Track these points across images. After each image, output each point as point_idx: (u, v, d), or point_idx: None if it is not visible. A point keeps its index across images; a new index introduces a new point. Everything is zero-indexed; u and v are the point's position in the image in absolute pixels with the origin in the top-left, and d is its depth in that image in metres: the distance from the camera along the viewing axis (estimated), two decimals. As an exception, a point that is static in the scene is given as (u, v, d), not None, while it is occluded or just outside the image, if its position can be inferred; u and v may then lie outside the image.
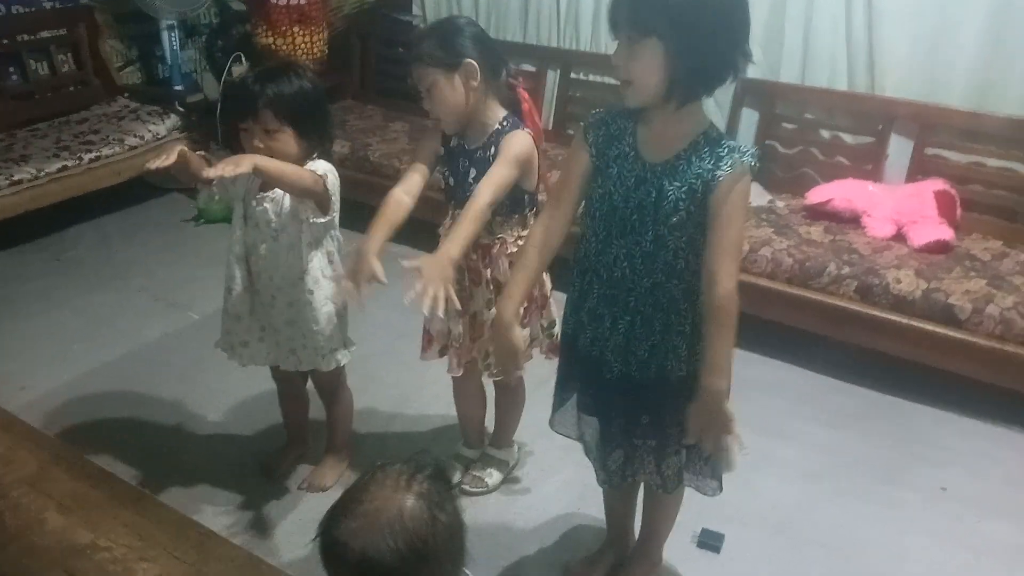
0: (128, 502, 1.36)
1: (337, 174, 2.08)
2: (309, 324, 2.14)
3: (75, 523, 1.28)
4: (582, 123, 1.71)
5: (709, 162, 1.54)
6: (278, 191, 2.05)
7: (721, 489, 1.84)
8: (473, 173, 2.02)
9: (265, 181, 2.02)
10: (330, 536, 1.13)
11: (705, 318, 1.60)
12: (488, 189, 1.92)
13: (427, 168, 2.08)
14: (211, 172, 1.82)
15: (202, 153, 2.07)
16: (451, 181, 2.09)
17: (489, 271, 2.08)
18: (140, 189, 4.24)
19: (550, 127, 4.06)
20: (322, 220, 2.06)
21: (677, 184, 1.56)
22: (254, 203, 2.09)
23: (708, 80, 1.52)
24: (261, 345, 2.23)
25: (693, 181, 1.55)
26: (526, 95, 2.09)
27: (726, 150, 1.54)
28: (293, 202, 2.05)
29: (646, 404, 1.75)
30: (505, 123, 2.00)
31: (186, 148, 1.90)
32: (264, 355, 2.25)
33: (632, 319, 1.67)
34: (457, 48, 1.93)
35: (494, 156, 1.97)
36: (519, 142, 1.97)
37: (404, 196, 2.04)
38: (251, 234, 2.12)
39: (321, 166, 2.03)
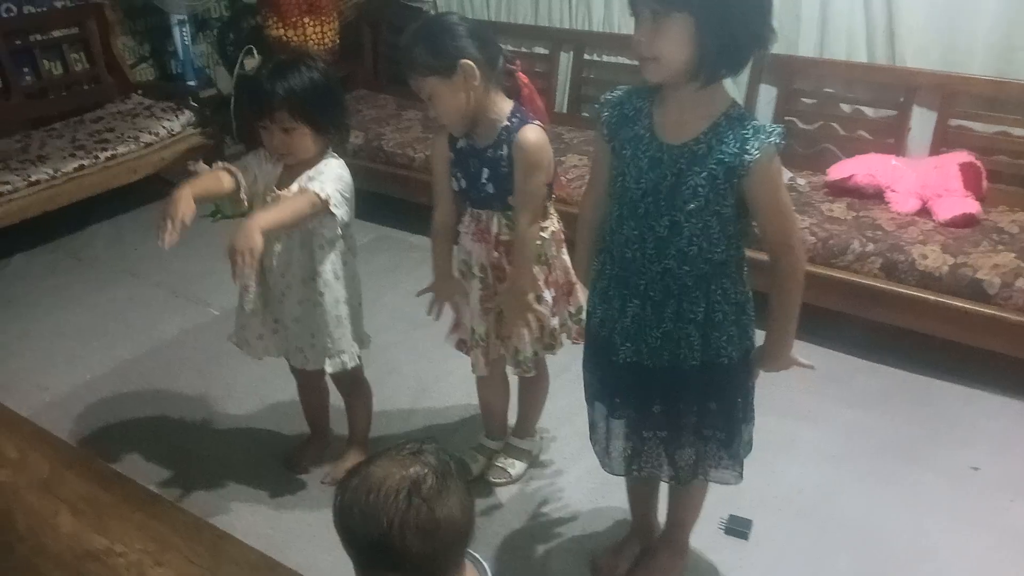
0: (141, 504, 1.35)
1: (348, 175, 2.05)
2: (318, 324, 2.12)
3: (88, 527, 1.27)
4: (600, 104, 1.66)
5: (733, 145, 1.48)
6: (293, 188, 2.03)
7: (742, 477, 1.81)
8: (486, 173, 1.97)
9: (282, 183, 2.04)
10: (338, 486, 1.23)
11: (777, 286, 1.61)
12: (526, 213, 1.93)
13: (448, 179, 2.07)
14: (240, 279, 1.87)
15: (221, 164, 2.06)
16: (463, 183, 2.03)
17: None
18: (156, 186, 4.25)
19: (564, 110, 4.02)
20: (329, 234, 2.05)
21: (697, 170, 1.50)
22: (269, 200, 2.07)
23: (738, 57, 1.46)
24: (275, 337, 2.23)
25: (714, 167, 1.49)
26: (525, 79, 2.03)
27: (751, 131, 1.47)
28: None
29: (658, 393, 1.71)
30: (513, 119, 1.93)
31: (189, 192, 1.89)
32: (276, 348, 2.25)
33: (642, 303, 1.64)
34: (450, 51, 1.85)
35: (507, 157, 1.92)
36: (534, 145, 1.90)
37: (446, 218, 2.12)
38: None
39: (327, 178, 1.98)
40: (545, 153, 1.93)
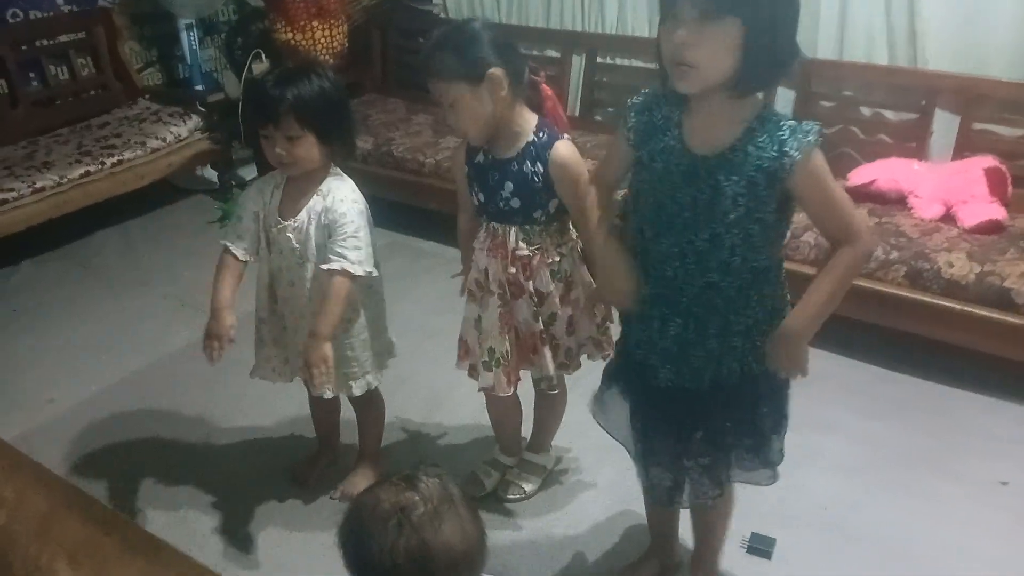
0: (143, 551, 1.29)
1: (361, 200, 2.02)
2: (339, 353, 2.06)
3: (87, 576, 1.21)
4: (626, 107, 1.57)
5: (771, 149, 1.41)
6: (300, 217, 1.99)
7: (776, 477, 1.73)
8: (510, 187, 1.91)
9: (286, 210, 2.01)
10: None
11: (835, 266, 1.48)
12: (591, 221, 1.83)
13: (466, 191, 2.04)
14: (321, 390, 2.01)
15: (222, 244, 2.05)
16: (481, 197, 1.97)
17: (531, 283, 1.99)
18: (164, 192, 4.21)
19: (577, 114, 3.95)
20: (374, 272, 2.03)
21: (735, 179, 1.43)
22: (275, 230, 2.02)
23: (777, 69, 1.40)
24: (288, 366, 2.18)
25: (753, 173, 1.42)
26: (549, 91, 1.97)
27: (787, 132, 1.40)
28: (318, 235, 1.99)
29: (700, 418, 1.64)
30: (541, 135, 1.89)
31: (227, 307, 1.98)
32: (292, 374, 2.22)
33: (684, 322, 1.56)
34: (479, 58, 1.79)
35: (542, 174, 1.88)
36: (571, 159, 1.88)
37: (471, 224, 2.09)
38: (276, 261, 2.06)
39: (349, 224, 1.95)
40: (582, 164, 1.90)
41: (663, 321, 1.58)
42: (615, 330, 1.88)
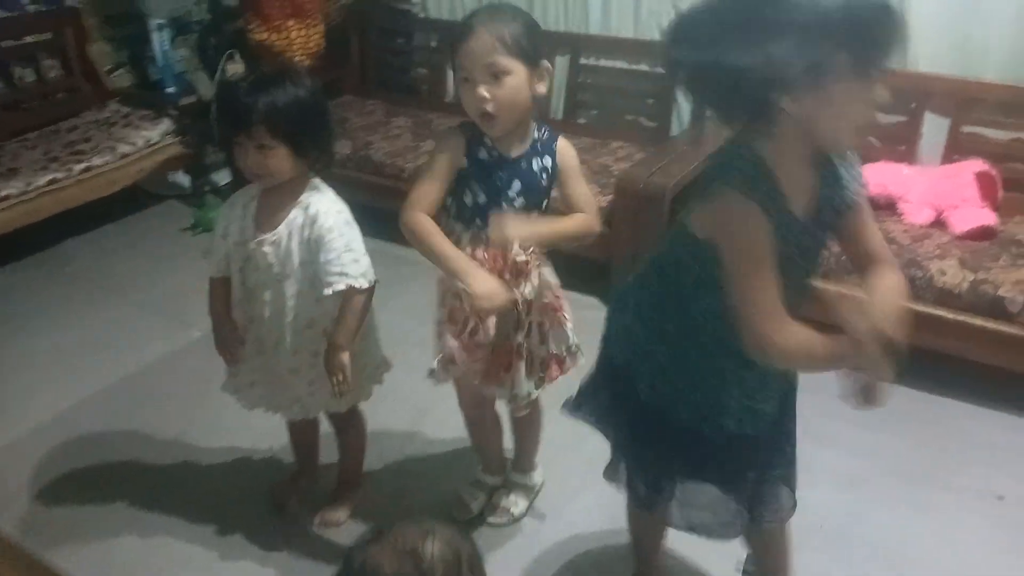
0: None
1: (346, 209, 1.95)
2: (321, 372, 1.96)
3: None
4: (742, 183, 1.32)
5: (835, 186, 1.39)
6: (280, 231, 1.90)
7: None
8: (517, 186, 1.81)
9: (263, 224, 1.93)
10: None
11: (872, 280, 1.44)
12: (593, 214, 1.87)
13: (444, 186, 1.83)
14: (348, 400, 2.04)
15: (209, 275, 2.04)
16: (480, 199, 1.82)
17: (523, 288, 1.88)
18: (135, 197, 4.10)
19: (560, 116, 3.88)
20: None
21: (825, 234, 1.43)
22: (253, 246, 1.92)
23: None
24: (268, 387, 2.09)
25: (833, 219, 1.41)
26: None
27: (841, 167, 1.39)
28: (301, 251, 1.90)
29: (757, 462, 1.62)
30: (543, 132, 1.85)
31: (225, 318, 2.01)
32: (267, 402, 2.13)
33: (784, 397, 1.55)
34: (540, 45, 1.76)
35: (551, 168, 1.83)
36: (572, 151, 1.88)
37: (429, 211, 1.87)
38: (251, 277, 1.96)
39: (341, 237, 1.88)
40: None
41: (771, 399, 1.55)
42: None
